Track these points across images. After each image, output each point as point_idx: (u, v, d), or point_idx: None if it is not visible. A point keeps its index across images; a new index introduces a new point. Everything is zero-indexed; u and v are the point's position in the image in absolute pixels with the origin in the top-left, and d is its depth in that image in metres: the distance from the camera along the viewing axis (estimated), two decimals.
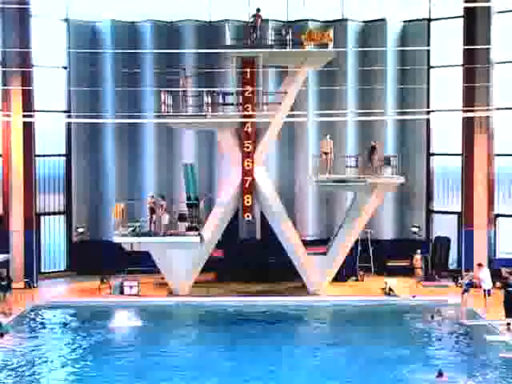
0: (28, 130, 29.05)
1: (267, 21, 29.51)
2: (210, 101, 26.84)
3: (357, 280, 29.92)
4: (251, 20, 27.54)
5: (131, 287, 27.47)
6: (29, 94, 29.01)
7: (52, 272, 31.31)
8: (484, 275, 24.71)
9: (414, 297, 26.77)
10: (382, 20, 31.83)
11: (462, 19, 29.88)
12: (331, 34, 26.74)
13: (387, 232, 32.10)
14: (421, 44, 31.19)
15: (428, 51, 31.25)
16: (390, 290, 27.44)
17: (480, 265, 25.45)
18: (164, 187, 31.53)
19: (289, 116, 27.89)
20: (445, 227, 31.33)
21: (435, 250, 30.56)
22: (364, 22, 32.23)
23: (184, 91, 26.77)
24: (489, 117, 29.15)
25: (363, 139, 31.20)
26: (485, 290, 24.44)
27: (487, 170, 29.61)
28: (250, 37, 27.16)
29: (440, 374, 18.09)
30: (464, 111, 29.21)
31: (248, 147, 27.04)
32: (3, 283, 24.85)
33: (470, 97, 29.13)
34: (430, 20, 31.59)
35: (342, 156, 29.90)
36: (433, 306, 25.76)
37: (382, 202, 29.36)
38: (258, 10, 27.45)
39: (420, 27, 31.58)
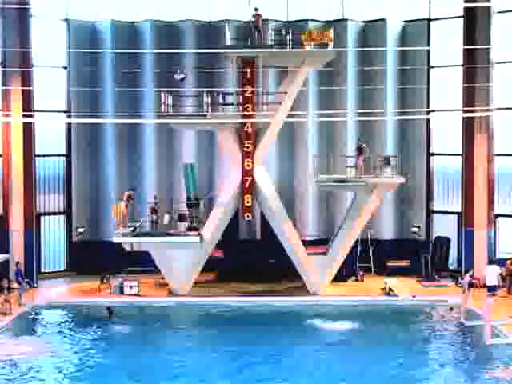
0: (28, 130, 29.06)
1: (267, 21, 29.48)
2: (209, 101, 26.85)
3: (357, 280, 29.91)
4: (253, 20, 27.50)
5: (131, 287, 27.48)
6: (29, 94, 29.01)
7: (52, 272, 31.30)
8: (487, 272, 24.88)
9: (414, 297, 26.77)
10: (382, 20, 31.82)
11: (462, 19, 29.87)
12: (331, 34, 26.75)
13: (387, 232, 32.08)
14: (421, 44, 31.19)
15: (428, 51, 31.24)
16: (390, 289, 27.46)
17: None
18: (164, 187, 31.57)
19: (289, 116, 27.87)
20: (445, 227, 31.33)
21: (435, 250, 30.56)
22: (364, 21, 32.21)
23: (184, 91, 26.78)
24: (489, 117, 29.14)
25: (363, 139, 31.14)
26: (488, 287, 24.54)
27: (487, 170, 29.61)
28: (252, 37, 27.14)
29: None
30: (464, 111, 29.20)
31: (248, 147, 27.05)
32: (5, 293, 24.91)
33: (470, 97, 29.13)
34: (429, 20, 31.57)
35: (342, 156, 29.93)
36: (433, 306, 25.83)
37: (382, 202, 29.39)
38: (256, 9, 27.40)
39: (420, 27, 31.56)
